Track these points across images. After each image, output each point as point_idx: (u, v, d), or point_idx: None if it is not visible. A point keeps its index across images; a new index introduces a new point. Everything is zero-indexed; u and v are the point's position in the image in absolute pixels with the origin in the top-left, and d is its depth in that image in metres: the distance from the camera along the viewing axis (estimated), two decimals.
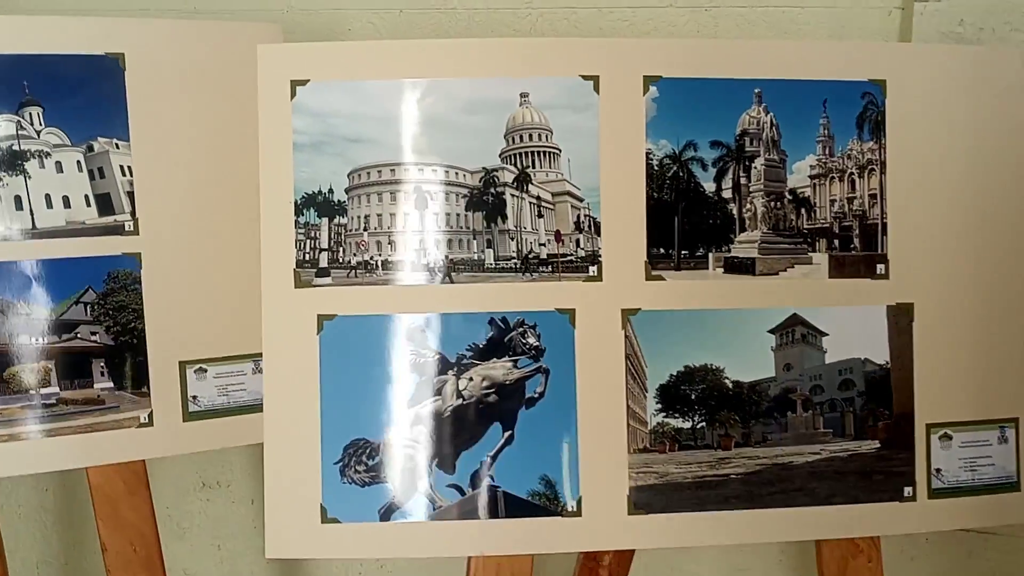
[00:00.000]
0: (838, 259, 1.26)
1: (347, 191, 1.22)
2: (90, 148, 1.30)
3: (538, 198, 1.23)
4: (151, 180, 1.33)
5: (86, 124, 1.30)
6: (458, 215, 1.22)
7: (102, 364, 1.33)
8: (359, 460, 1.20)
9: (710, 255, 1.24)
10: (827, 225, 1.26)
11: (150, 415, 1.34)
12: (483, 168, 1.22)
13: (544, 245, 1.23)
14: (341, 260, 1.22)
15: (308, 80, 1.20)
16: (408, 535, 1.22)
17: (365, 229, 1.22)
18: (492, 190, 1.22)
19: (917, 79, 1.26)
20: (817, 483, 1.25)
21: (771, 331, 1.25)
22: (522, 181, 1.23)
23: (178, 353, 1.36)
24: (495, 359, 1.21)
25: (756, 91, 1.23)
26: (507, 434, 1.21)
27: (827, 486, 1.25)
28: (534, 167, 1.23)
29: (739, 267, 1.24)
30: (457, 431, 1.21)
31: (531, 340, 1.21)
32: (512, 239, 1.23)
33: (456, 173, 1.22)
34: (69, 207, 1.30)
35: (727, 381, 1.25)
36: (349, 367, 1.21)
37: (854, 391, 1.26)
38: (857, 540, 1.27)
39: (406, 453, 1.21)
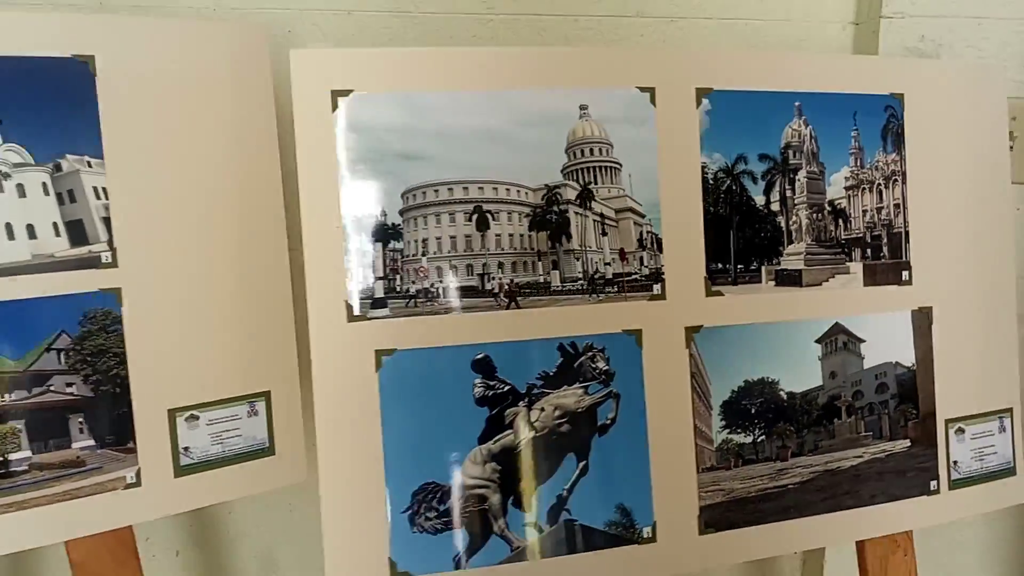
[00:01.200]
0: (871, 267, 1.30)
1: (401, 213, 1.11)
2: (58, 167, 1.13)
3: (601, 215, 1.18)
4: (130, 203, 1.18)
5: (52, 139, 1.13)
6: (522, 235, 1.15)
7: (80, 419, 1.17)
8: (429, 506, 1.10)
9: (763, 268, 1.24)
10: (860, 235, 1.30)
11: (138, 473, 1.20)
12: (545, 185, 1.16)
13: (609, 264, 1.18)
14: (398, 289, 1.12)
15: (351, 91, 1.08)
16: None
17: (423, 254, 1.12)
18: (555, 208, 1.16)
19: (928, 93, 1.33)
20: (861, 485, 1.29)
21: (818, 341, 1.26)
22: (585, 198, 1.17)
23: (166, 400, 1.22)
24: (565, 387, 1.15)
25: (796, 104, 1.25)
26: (581, 464, 1.15)
27: (870, 487, 1.29)
28: (596, 183, 1.17)
29: (788, 279, 1.25)
30: (532, 466, 1.14)
31: (600, 364, 1.16)
32: (577, 259, 1.17)
33: (518, 191, 1.14)
34: (35, 237, 1.13)
35: (782, 393, 1.25)
36: (412, 405, 1.11)
37: (888, 394, 1.31)
38: (895, 536, 1.32)
39: (479, 494, 1.12)
